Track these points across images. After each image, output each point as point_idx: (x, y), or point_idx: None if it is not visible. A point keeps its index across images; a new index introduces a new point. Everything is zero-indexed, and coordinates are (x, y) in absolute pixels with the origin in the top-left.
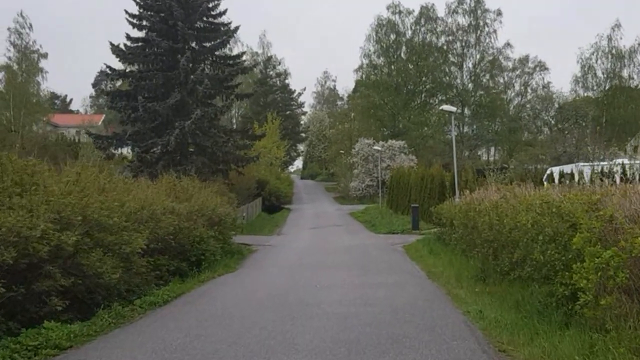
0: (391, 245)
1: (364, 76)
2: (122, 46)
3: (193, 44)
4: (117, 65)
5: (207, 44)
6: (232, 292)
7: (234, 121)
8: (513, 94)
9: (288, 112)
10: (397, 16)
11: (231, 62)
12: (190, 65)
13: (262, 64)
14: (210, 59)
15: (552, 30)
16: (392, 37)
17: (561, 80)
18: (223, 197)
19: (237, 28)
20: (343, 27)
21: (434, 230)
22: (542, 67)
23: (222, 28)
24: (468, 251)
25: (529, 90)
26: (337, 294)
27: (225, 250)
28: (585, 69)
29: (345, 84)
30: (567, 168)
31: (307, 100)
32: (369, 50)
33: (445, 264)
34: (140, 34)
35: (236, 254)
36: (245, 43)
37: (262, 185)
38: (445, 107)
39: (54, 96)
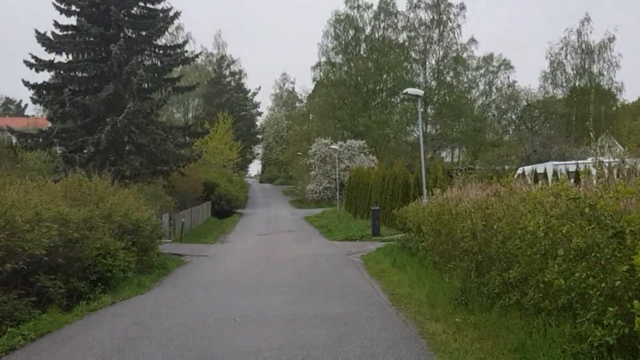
0: (347, 255)
1: (322, 74)
2: (49, 34)
3: (129, 32)
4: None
5: (144, 32)
6: (114, 332)
7: (190, 123)
8: (477, 94)
9: (243, 113)
10: (355, 11)
11: (172, 52)
12: (125, 55)
13: (216, 63)
14: (148, 48)
15: (517, 29)
16: (351, 33)
17: (527, 79)
18: (158, 200)
19: (177, 14)
20: (303, 26)
21: (397, 237)
22: (507, 65)
23: (160, 14)
24: (442, 265)
25: (494, 89)
26: (259, 337)
27: (145, 264)
28: (555, 64)
29: (304, 84)
30: (539, 167)
31: (265, 102)
32: (327, 47)
33: (414, 281)
34: (72, 21)
35: (158, 269)
36: (200, 44)
37: (210, 188)
38: (411, 90)
39: (8, 101)
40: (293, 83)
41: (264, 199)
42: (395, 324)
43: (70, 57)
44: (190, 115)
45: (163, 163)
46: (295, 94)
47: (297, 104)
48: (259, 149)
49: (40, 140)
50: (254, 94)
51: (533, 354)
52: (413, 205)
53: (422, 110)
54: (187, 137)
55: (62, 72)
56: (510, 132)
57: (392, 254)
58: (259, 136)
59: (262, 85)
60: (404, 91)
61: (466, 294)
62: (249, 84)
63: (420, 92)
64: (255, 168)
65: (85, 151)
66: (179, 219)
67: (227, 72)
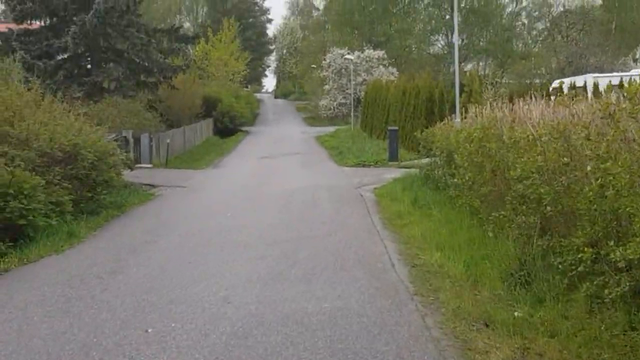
0: (357, 188)
1: None
2: None
3: None
4: None
5: None
6: None
7: (177, 25)
8: (507, 0)
9: (251, 20)
10: None
11: None
12: None
13: None
14: None
15: None
16: None
17: None
18: (135, 117)
19: None
20: None
21: (418, 162)
22: None
23: None
24: (485, 211)
25: None
26: None
27: (97, 203)
28: None
29: None
30: (578, 80)
31: (277, 8)
32: None
33: (444, 237)
34: None
35: (106, 209)
36: None
37: (212, 104)
38: None
39: None
40: None
41: (275, 116)
42: (422, 353)
43: None
44: (189, 24)
45: (147, 73)
46: (312, 1)
47: (314, 12)
48: (271, 62)
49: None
50: None
51: None
52: (442, 126)
53: (447, 17)
54: (174, 42)
55: None
56: (540, 43)
57: (413, 187)
58: (271, 47)
59: None
60: None
61: (527, 265)
62: None
63: None
64: (271, 83)
65: (61, 58)
66: (164, 140)
67: None
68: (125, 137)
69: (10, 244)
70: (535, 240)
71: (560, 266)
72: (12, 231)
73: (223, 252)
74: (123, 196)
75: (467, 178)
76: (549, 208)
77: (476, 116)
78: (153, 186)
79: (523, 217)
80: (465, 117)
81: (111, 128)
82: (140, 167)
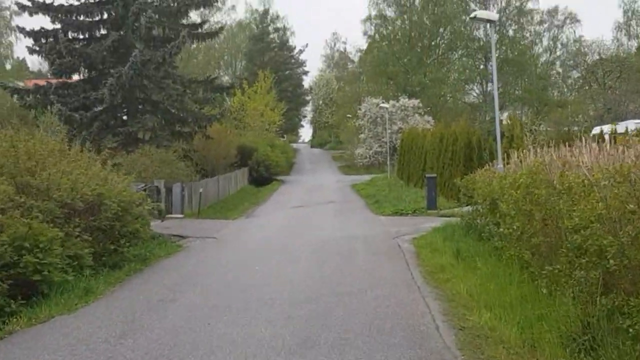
0: (394, 238)
1: (373, 29)
2: None
3: None
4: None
5: None
6: None
7: (213, 76)
8: (541, 50)
9: (287, 72)
10: None
11: None
12: None
13: (259, 18)
14: None
15: None
16: None
17: (595, 32)
18: (167, 166)
19: None
20: None
21: (458, 210)
22: (572, 19)
23: None
24: (536, 264)
25: (559, 45)
26: None
27: (121, 256)
28: (629, 14)
29: (356, 42)
30: (620, 127)
31: (312, 61)
32: None
33: (493, 294)
34: None
35: (129, 263)
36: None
37: (247, 153)
38: (481, 12)
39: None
40: (344, 43)
41: (311, 165)
42: None
43: None
44: (225, 78)
45: (182, 123)
46: (347, 55)
47: (349, 65)
48: (307, 112)
49: (38, 96)
50: (300, 51)
51: None
52: (483, 173)
53: (481, 67)
54: (209, 93)
55: (60, 15)
56: (576, 91)
57: (454, 237)
58: (307, 97)
59: (309, 43)
60: (472, 15)
61: (591, 328)
62: (296, 42)
63: (495, 16)
64: (307, 133)
65: (97, 109)
66: (197, 189)
67: (271, 29)
68: (157, 186)
69: (23, 301)
70: (598, 299)
71: (630, 330)
72: (26, 287)
73: (247, 311)
74: (149, 248)
75: (515, 227)
76: (612, 262)
77: (520, 162)
78: (182, 237)
79: (582, 271)
80: (508, 163)
81: (144, 178)
82: (171, 218)
